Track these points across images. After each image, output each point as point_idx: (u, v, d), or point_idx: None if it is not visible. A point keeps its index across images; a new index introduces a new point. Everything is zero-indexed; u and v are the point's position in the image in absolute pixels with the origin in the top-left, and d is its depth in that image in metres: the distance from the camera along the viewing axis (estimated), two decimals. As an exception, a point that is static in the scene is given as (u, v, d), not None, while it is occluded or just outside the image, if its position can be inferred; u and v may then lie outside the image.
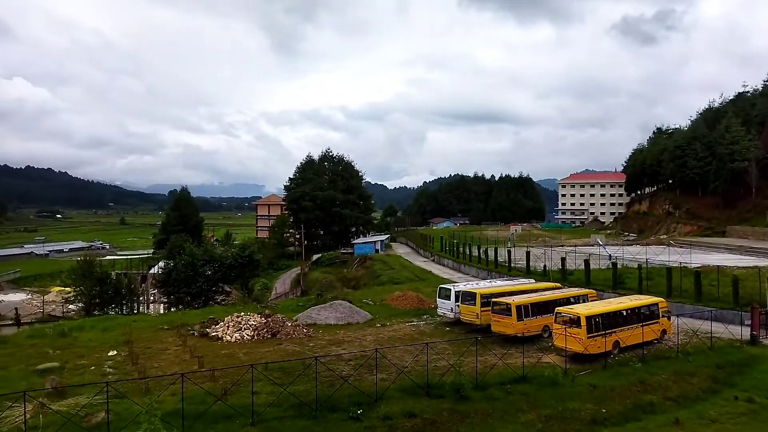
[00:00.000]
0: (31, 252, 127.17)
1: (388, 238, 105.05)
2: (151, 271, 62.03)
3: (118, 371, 23.00)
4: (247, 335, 28.58)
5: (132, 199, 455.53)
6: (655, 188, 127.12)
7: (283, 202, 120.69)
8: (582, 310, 25.22)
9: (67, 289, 53.42)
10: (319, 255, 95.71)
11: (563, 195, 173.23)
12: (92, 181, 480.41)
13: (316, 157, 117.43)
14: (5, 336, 34.62)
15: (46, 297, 58.61)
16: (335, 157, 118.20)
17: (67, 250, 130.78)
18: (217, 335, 28.90)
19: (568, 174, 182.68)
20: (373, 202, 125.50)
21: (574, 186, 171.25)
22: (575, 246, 73.69)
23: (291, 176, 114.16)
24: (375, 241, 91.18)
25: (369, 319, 33.43)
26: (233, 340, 28.16)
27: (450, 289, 32.25)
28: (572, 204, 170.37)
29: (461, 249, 64.71)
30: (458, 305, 30.77)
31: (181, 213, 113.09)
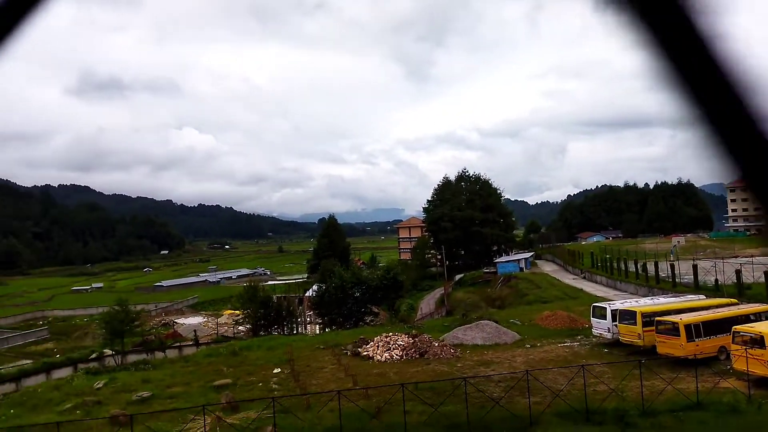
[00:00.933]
0: (206, 280, 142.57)
1: (532, 255, 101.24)
2: (307, 294, 66.36)
3: (282, 387, 24.84)
4: (396, 355, 29.27)
5: (287, 228, 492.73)
6: None
7: (423, 224, 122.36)
8: (765, 328, 22.12)
9: (236, 312, 59.15)
10: (462, 275, 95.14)
11: (733, 200, 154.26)
12: (253, 214, 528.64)
13: (452, 178, 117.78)
14: (187, 355, 39.27)
15: (219, 319, 65.31)
16: (472, 177, 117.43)
17: (235, 277, 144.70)
18: (368, 354, 29.97)
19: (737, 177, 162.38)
20: (513, 219, 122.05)
21: (745, 189, 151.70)
22: (752, 256, 65.00)
23: (429, 198, 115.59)
24: (519, 259, 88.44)
25: (517, 339, 32.44)
26: (383, 359, 29.01)
27: (605, 308, 30.17)
28: (744, 210, 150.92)
29: (615, 264, 60.31)
30: (616, 325, 28.65)
31: (329, 239, 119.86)
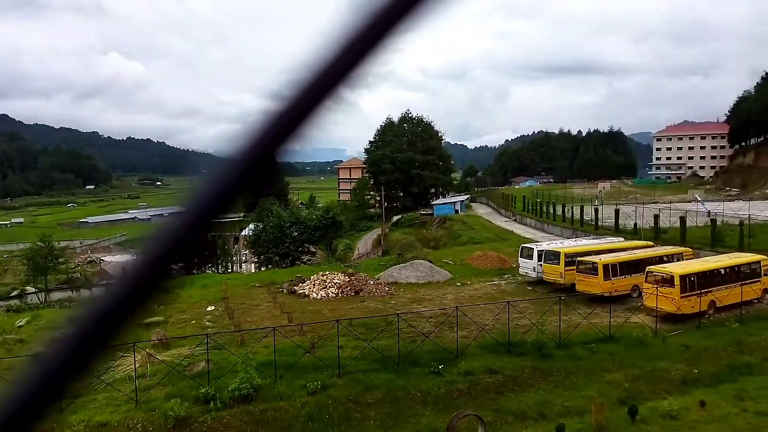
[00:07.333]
0: (135, 217, 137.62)
1: (468, 198, 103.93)
2: (243, 233, 65.52)
3: (216, 325, 24.82)
4: (332, 293, 29.74)
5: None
6: (762, 139, 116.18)
7: (364, 165, 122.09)
8: (676, 268, 24.02)
9: (168, 250, 57.73)
10: (399, 216, 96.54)
11: (658, 149, 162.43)
12: (187, 149, 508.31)
13: (395, 119, 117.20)
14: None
15: (150, 258, 63.63)
16: (414, 119, 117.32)
17: (167, 214, 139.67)
18: (304, 293, 30.30)
19: (664, 126, 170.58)
20: (452, 162, 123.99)
21: (670, 139, 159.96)
22: (670, 203, 69.45)
23: (370, 139, 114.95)
24: (455, 202, 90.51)
25: (449, 278, 33.63)
26: (319, 297, 29.43)
27: (532, 249, 31.66)
28: (668, 158, 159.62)
29: (545, 208, 62.91)
30: (541, 264, 30.20)
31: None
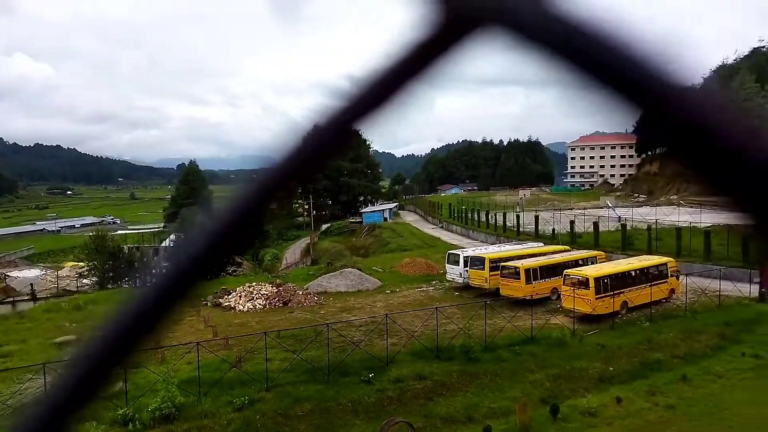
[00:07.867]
0: (44, 228, 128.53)
1: (396, 206, 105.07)
2: (163, 245, 62.77)
3: (134, 342, 23.54)
4: (259, 304, 29.05)
5: (141, 174, 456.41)
6: (666, 149, 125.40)
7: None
8: (590, 271, 25.33)
9: (80, 264, 54.32)
10: (328, 225, 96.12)
11: (572, 158, 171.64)
12: (101, 156, 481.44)
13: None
14: (22, 311, 35.46)
15: (60, 272, 59.52)
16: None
17: (78, 225, 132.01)
18: (230, 305, 29.41)
19: (578, 137, 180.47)
20: (380, 170, 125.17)
21: (584, 149, 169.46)
22: (584, 209, 73.45)
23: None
24: (383, 210, 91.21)
25: (379, 286, 33.77)
26: (246, 309, 28.65)
27: (459, 255, 32.39)
28: (581, 167, 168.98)
29: (469, 215, 64.68)
30: (467, 270, 30.95)
31: (190, 186, 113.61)
